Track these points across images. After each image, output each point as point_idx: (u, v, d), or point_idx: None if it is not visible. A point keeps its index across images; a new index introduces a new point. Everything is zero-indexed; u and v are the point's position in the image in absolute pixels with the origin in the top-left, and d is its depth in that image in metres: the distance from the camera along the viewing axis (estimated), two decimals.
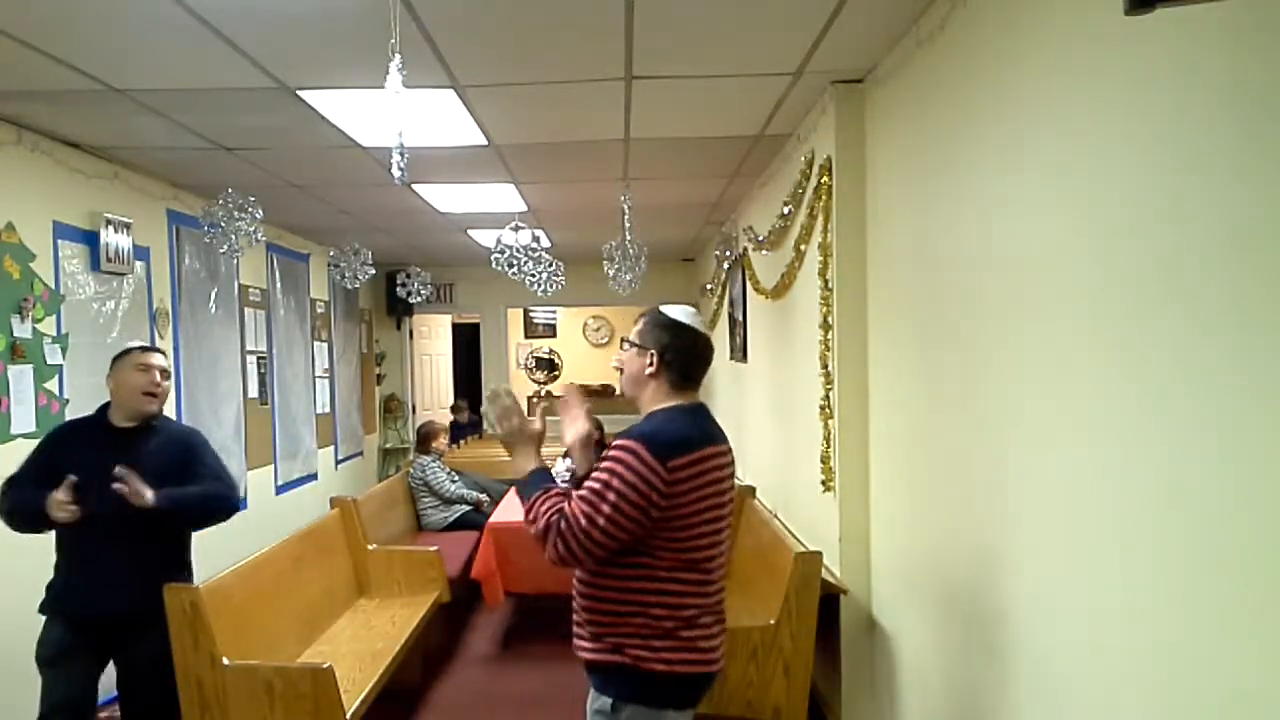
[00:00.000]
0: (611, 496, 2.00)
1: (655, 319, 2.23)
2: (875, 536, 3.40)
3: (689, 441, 2.07)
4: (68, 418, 3.96)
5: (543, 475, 2.17)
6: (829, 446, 3.57)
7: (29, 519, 2.89)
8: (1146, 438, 1.61)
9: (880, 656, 3.34)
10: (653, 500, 2.00)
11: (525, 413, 2.26)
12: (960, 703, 2.57)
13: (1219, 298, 1.42)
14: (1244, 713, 1.39)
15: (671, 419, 2.13)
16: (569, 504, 2.06)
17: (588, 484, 2.06)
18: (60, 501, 2.76)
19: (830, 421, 3.55)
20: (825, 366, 3.56)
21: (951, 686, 2.65)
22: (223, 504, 3.06)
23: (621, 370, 2.29)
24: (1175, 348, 1.53)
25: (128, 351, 3.05)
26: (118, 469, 2.78)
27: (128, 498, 2.77)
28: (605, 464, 2.04)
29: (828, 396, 3.55)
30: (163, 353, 3.11)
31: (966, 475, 2.48)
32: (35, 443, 3.84)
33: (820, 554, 3.38)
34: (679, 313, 2.25)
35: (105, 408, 3.04)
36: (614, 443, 2.07)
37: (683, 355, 2.19)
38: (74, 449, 2.94)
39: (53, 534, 2.96)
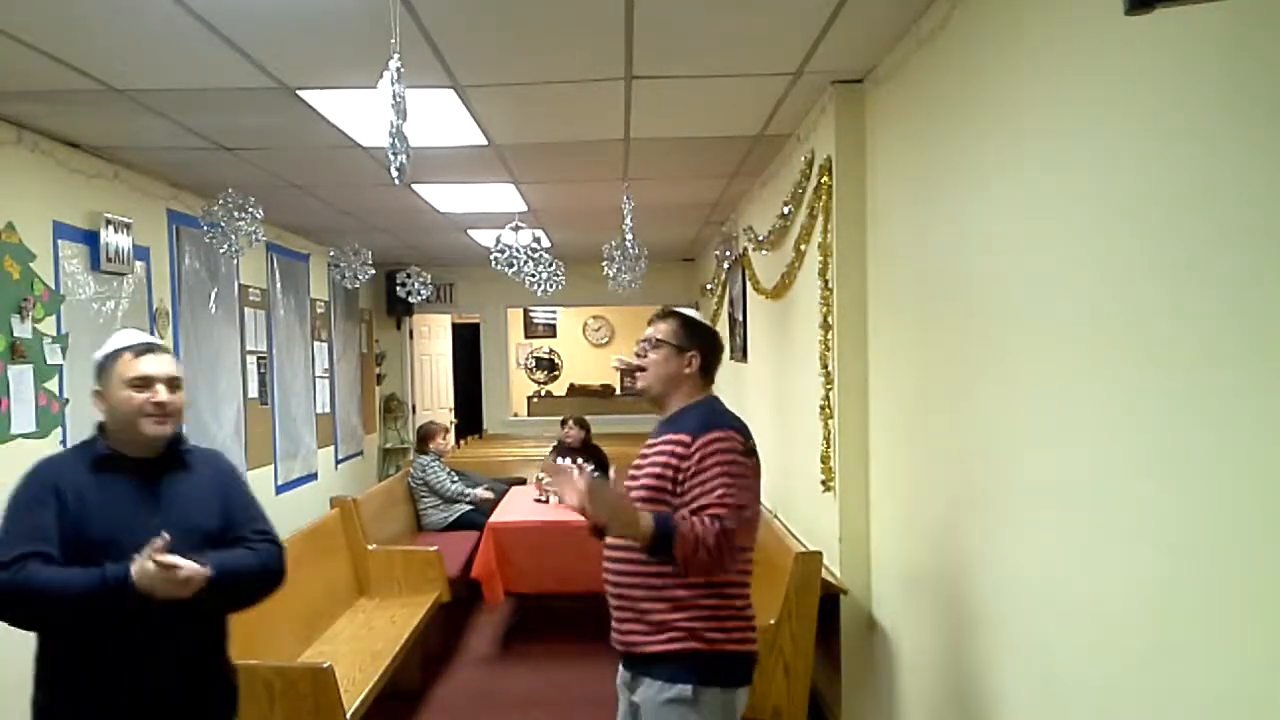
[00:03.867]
0: (742, 483, 2.10)
1: (686, 321, 2.33)
2: (875, 536, 3.40)
3: (746, 426, 2.25)
4: (67, 418, 3.95)
5: (663, 517, 2.08)
6: (829, 446, 3.57)
7: (80, 609, 1.89)
8: (1144, 438, 1.61)
9: (880, 656, 3.34)
10: (758, 476, 2.18)
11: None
12: (960, 702, 2.57)
13: (1216, 297, 1.42)
14: (1242, 709, 1.39)
15: (719, 408, 2.29)
16: (720, 511, 2.05)
17: (716, 484, 2.08)
18: (181, 571, 1.85)
19: (830, 421, 3.55)
20: (825, 366, 3.56)
21: (951, 686, 2.65)
22: (278, 577, 2.20)
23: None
24: (1174, 348, 1.53)
25: (115, 355, 2.08)
26: (160, 537, 1.87)
27: (173, 581, 1.87)
28: (719, 458, 2.10)
29: (828, 396, 3.55)
30: (165, 348, 2.16)
31: (966, 475, 2.48)
32: (40, 445, 3.89)
33: (820, 554, 3.38)
34: (696, 314, 2.40)
35: (101, 432, 2.11)
36: (707, 438, 2.12)
37: (715, 354, 2.34)
38: (90, 494, 2.00)
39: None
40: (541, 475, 5.99)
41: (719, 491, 2.07)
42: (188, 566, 1.88)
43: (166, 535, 1.86)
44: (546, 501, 5.64)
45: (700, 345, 2.29)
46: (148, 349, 2.11)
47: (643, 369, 2.31)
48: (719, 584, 2.14)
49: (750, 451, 2.18)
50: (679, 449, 2.15)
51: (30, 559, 1.89)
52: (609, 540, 2.25)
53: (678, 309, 2.38)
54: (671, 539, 2.03)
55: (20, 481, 2.05)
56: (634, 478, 2.25)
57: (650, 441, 2.29)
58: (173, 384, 2.10)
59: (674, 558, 2.05)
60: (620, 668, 2.29)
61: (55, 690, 2.00)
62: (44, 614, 1.93)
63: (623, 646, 2.22)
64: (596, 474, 2.08)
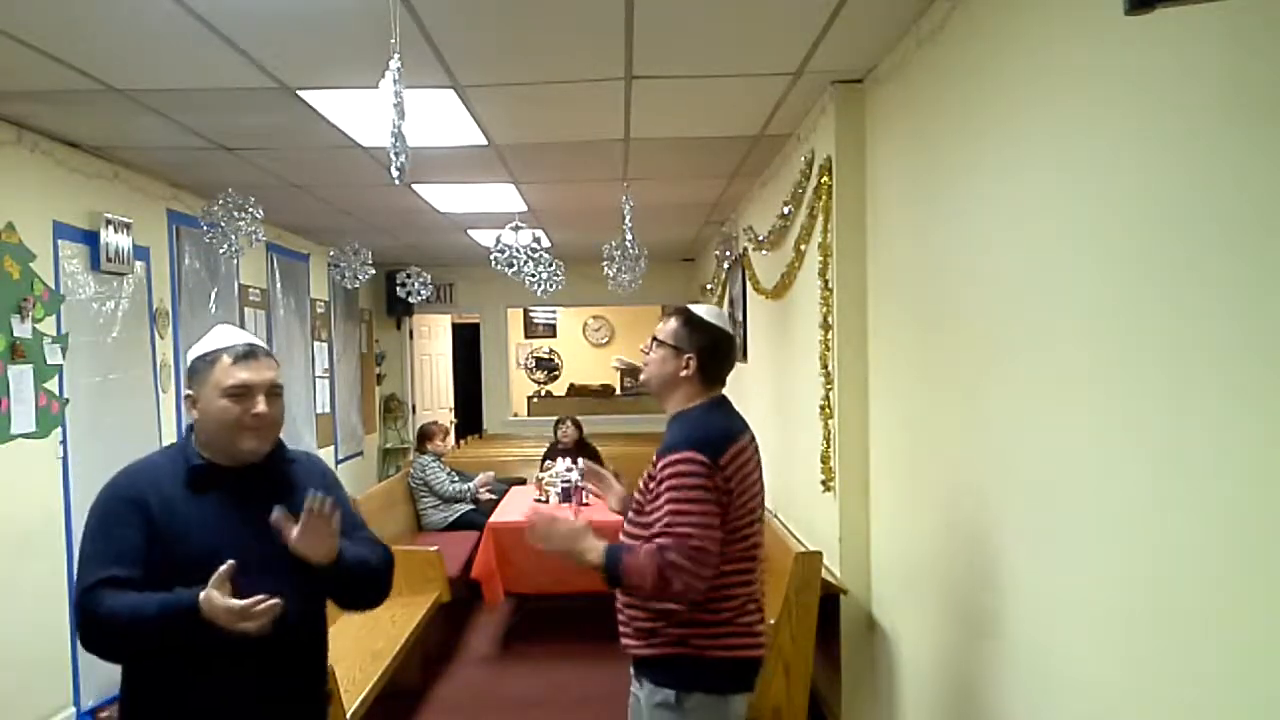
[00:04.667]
0: (696, 509, 2.03)
1: (689, 320, 2.25)
2: (875, 536, 3.40)
3: (728, 434, 2.14)
4: (67, 418, 3.95)
5: (614, 549, 2.10)
6: (829, 446, 3.57)
7: (155, 636, 1.72)
8: (1145, 437, 1.61)
9: (880, 656, 3.34)
10: (720, 500, 2.07)
11: (560, 520, 2.22)
12: (960, 702, 2.57)
13: (1216, 297, 1.42)
14: (1243, 708, 1.39)
15: (705, 416, 2.19)
16: (664, 540, 2.02)
17: (666, 511, 2.05)
18: (244, 608, 1.65)
19: (830, 421, 3.55)
20: (825, 366, 3.56)
21: (951, 686, 2.65)
22: (390, 581, 2.03)
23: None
24: (1174, 347, 1.53)
25: (212, 358, 1.86)
26: (226, 565, 1.69)
27: (240, 617, 1.66)
28: (671, 483, 2.06)
29: (828, 396, 3.55)
30: (267, 351, 1.95)
31: (966, 475, 2.48)
32: (40, 445, 3.91)
33: (820, 554, 3.38)
34: (708, 313, 2.30)
35: (189, 438, 1.91)
36: (665, 460, 2.09)
37: (716, 356, 2.26)
38: (181, 508, 1.81)
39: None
40: (541, 476, 6.00)
41: (665, 520, 2.04)
42: (254, 604, 1.66)
43: (232, 562, 1.69)
44: (546, 501, 5.64)
45: (700, 348, 2.22)
46: (249, 353, 1.88)
47: (647, 366, 2.31)
48: (704, 600, 2.10)
49: (720, 466, 2.07)
50: (651, 468, 2.16)
51: (105, 586, 1.72)
52: None
53: (689, 306, 2.32)
54: (619, 570, 2.05)
55: (101, 493, 1.84)
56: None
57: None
58: (274, 392, 1.89)
59: (627, 587, 2.09)
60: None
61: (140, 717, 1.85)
62: (120, 644, 1.76)
63: (624, 649, 2.25)
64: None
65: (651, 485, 2.13)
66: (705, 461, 2.05)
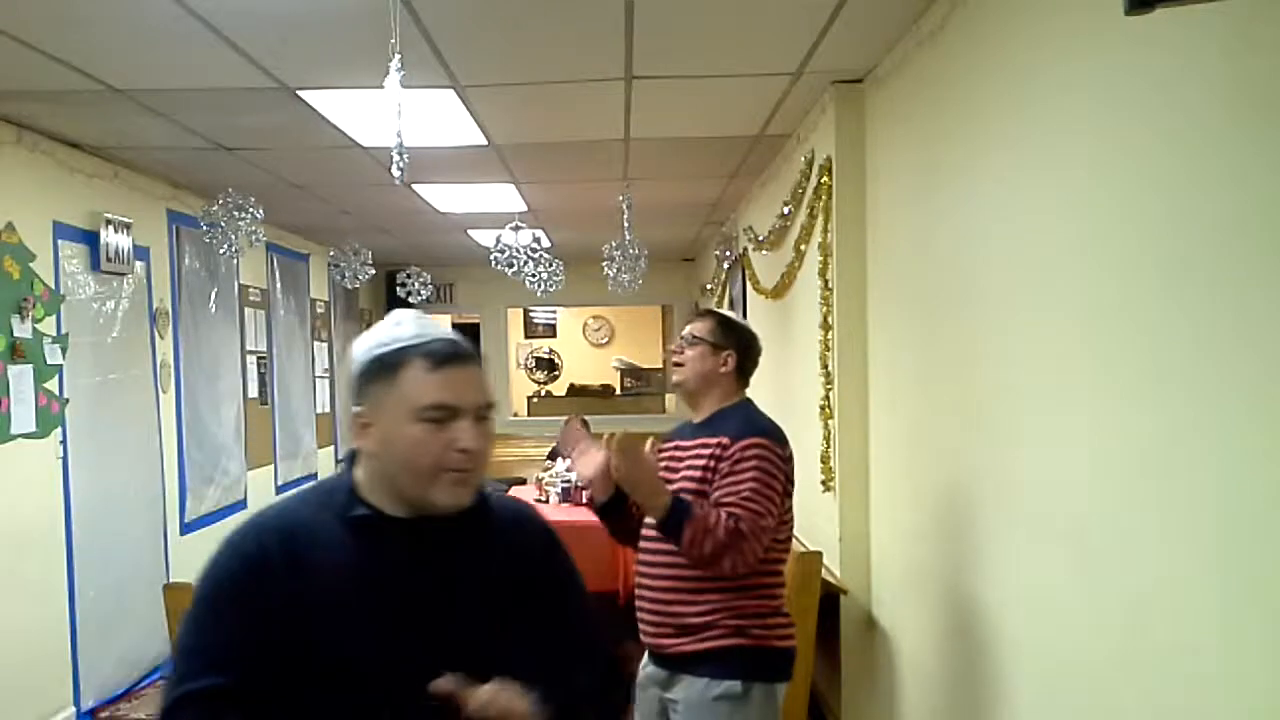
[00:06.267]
0: (770, 494, 2.12)
1: (724, 321, 2.33)
2: (875, 536, 3.40)
3: (782, 432, 2.27)
4: (67, 419, 3.95)
5: (685, 500, 2.08)
6: (829, 446, 3.57)
7: None
8: (1145, 437, 1.61)
9: (880, 656, 3.34)
10: (788, 489, 2.22)
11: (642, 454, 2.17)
12: (960, 702, 2.57)
13: (1216, 296, 1.42)
14: (1242, 709, 1.39)
15: (757, 413, 2.30)
16: (739, 512, 2.06)
17: (744, 488, 2.09)
18: None
19: (830, 421, 3.55)
20: (825, 366, 3.56)
21: (952, 686, 2.65)
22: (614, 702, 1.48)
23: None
24: (1173, 348, 1.53)
25: (397, 359, 1.28)
26: (440, 681, 1.17)
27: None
28: (755, 464, 2.12)
29: (828, 396, 3.55)
30: (473, 353, 1.33)
31: (966, 474, 2.48)
32: (40, 445, 3.91)
33: (820, 554, 3.37)
34: (734, 315, 2.42)
35: (347, 475, 1.34)
36: (746, 441, 2.14)
37: (751, 354, 2.34)
38: (333, 578, 1.26)
39: None
40: (541, 476, 5.99)
41: (745, 494, 2.08)
42: None
43: None
44: (546, 501, 5.64)
45: (736, 346, 2.28)
46: (452, 355, 1.29)
47: (680, 365, 2.31)
48: (755, 585, 2.16)
49: (786, 459, 2.21)
50: (717, 450, 2.17)
51: (197, 703, 1.22)
52: (643, 545, 2.25)
53: (716, 309, 2.43)
54: (685, 520, 2.02)
55: (220, 553, 1.30)
56: (669, 480, 2.22)
57: (682, 444, 2.29)
58: (483, 415, 1.30)
59: (680, 539, 2.03)
60: (649, 666, 2.26)
61: None
62: None
63: (658, 648, 2.20)
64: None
65: (721, 465, 2.14)
66: (781, 453, 2.18)
